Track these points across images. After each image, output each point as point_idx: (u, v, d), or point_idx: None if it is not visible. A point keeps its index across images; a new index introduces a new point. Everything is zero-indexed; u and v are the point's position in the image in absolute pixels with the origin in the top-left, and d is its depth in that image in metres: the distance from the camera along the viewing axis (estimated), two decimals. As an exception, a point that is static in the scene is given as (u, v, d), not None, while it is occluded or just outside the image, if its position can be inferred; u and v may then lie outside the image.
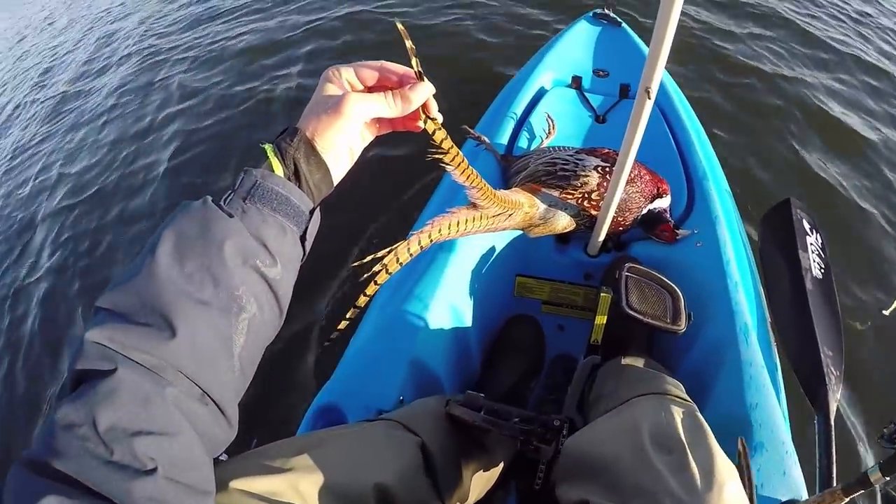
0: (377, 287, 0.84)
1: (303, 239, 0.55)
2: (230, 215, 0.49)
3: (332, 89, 0.57)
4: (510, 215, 0.96)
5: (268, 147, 0.55)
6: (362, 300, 0.86)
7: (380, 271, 0.82)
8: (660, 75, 0.81)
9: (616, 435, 0.68)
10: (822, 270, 1.27)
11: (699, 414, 0.76)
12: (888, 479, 0.78)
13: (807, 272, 1.21)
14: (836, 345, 1.19)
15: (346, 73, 0.58)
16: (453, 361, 1.00)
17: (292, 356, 1.57)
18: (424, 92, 0.59)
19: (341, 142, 0.57)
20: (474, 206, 0.92)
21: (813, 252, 1.27)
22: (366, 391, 0.85)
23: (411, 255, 0.85)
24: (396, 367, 0.88)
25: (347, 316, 0.86)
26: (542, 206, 1.02)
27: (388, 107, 0.58)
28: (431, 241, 0.88)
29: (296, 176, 0.55)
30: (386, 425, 0.70)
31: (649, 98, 0.80)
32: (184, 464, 0.40)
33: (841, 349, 1.20)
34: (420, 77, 0.59)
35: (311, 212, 0.56)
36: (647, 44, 1.56)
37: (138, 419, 0.39)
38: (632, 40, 1.60)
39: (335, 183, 0.60)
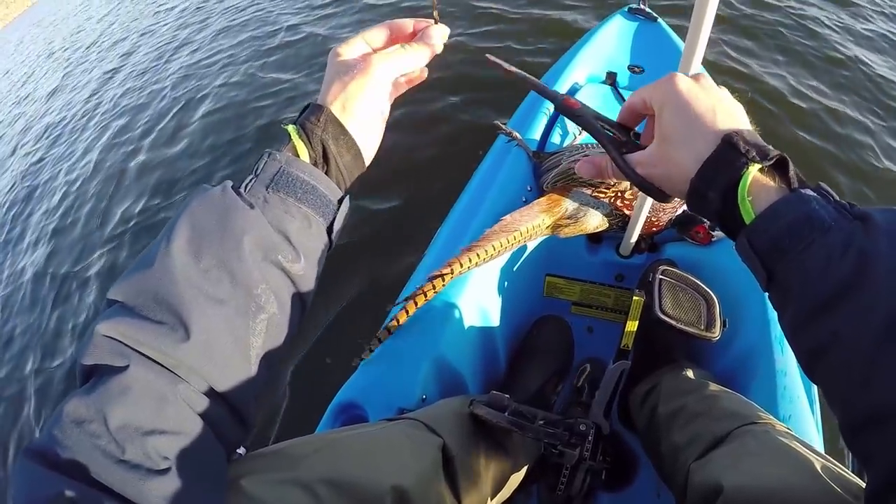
0: (408, 316, 0.87)
1: (329, 230, 0.52)
2: (251, 205, 0.46)
3: (347, 58, 0.54)
4: (535, 232, 0.99)
5: (291, 129, 0.52)
6: (393, 325, 0.88)
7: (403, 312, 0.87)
8: (696, 71, 0.78)
9: (780, 472, 0.61)
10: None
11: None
12: None
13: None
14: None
15: (356, 42, 0.55)
16: (479, 361, 0.98)
17: (314, 351, 1.57)
18: (443, 32, 0.58)
19: (373, 110, 0.55)
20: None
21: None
22: (388, 388, 0.84)
23: (435, 292, 0.89)
24: (420, 364, 0.86)
25: (379, 337, 0.87)
26: (572, 206, 0.99)
27: (413, 56, 0.56)
28: (468, 270, 0.92)
29: (324, 159, 0.52)
30: (407, 425, 0.68)
31: None
32: (197, 463, 0.39)
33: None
34: (436, 21, 0.58)
35: (340, 200, 0.53)
36: (683, 39, 1.53)
37: (151, 418, 0.38)
38: (668, 36, 1.56)
39: (367, 163, 0.57)
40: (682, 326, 0.90)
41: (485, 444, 0.75)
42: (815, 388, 1.06)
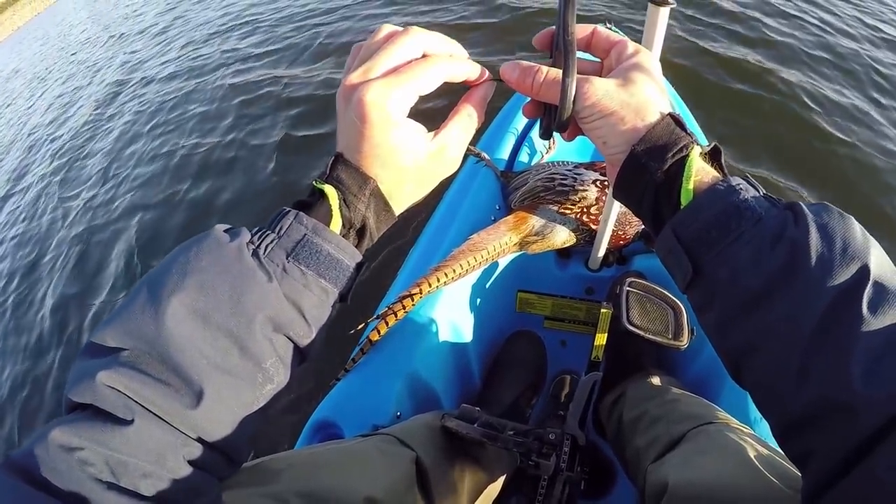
0: (380, 336, 0.89)
1: (342, 296, 0.49)
2: (269, 276, 0.43)
3: (390, 136, 0.47)
4: (503, 249, 1.00)
5: (331, 193, 0.47)
6: (367, 344, 0.90)
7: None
8: None
9: (722, 467, 0.62)
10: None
11: None
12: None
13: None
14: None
15: (399, 105, 0.46)
16: (453, 377, 0.99)
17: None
18: (490, 88, 0.53)
19: (428, 191, 0.53)
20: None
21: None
22: (363, 407, 0.85)
23: (405, 311, 0.90)
24: (394, 382, 0.88)
25: (353, 357, 0.89)
26: (538, 223, 1.02)
27: (476, 123, 0.52)
28: (437, 289, 0.93)
29: (357, 231, 0.49)
30: (380, 439, 0.69)
31: None
32: (188, 496, 0.40)
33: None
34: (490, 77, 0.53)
35: (359, 265, 0.49)
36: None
37: (151, 467, 0.38)
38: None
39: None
40: (650, 336, 0.92)
41: (458, 457, 0.76)
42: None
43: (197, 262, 0.42)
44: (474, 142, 1.28)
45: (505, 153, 1.24)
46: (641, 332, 0.92)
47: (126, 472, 0.37)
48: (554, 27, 0.50)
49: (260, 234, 0.45)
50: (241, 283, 0.42)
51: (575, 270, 1.11)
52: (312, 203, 0.48)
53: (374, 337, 0.90)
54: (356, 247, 0.49)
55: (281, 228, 0.45)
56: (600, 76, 0.49)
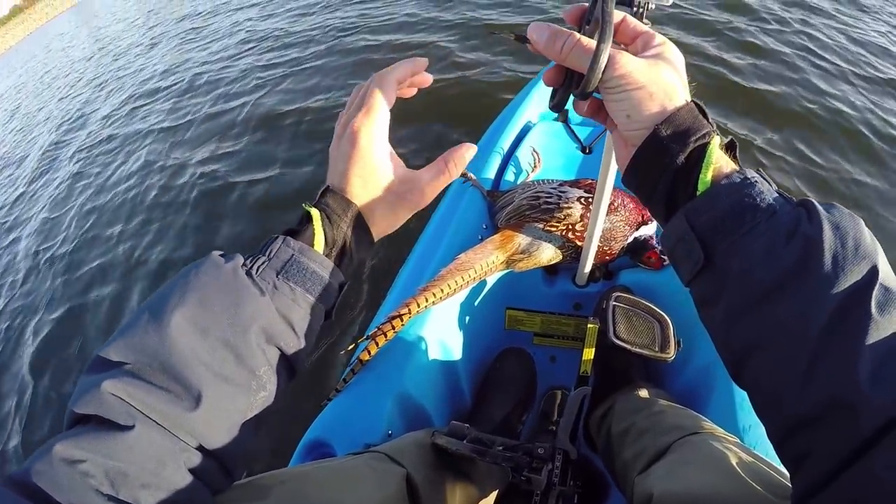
0: (370, 356, 0.91)
1: (328, 314, 0.55)
2: (262, 291, 0.48)
3: (381, 154, 0.56)
4: (490, 268, 1.02)
5: (315, 215, 0.53)
6: (358, 365, 0.92)
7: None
8: None
9: (705, 477, 0.63)
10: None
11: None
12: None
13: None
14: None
15: (382, 120, 0.56)
16: (443, 395, 1.00)
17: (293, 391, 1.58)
18: (469, 153, 0.60)
19: (401, 222, 0.59)
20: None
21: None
22: (355, 426, 0.86)
23: (395, 332, 0.92)
24: (385, 401, 0.89)
25: (345, 378, 0.90)
26: (525, 241, 1.04)
27: (454, 176, 0.59)
28: (425, 309, 0.95)
29: (339, 251, 0.55)
30: (370, 457, 0.70)
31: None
32: None
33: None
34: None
35: (342, 285, 0.55)
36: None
37: (149, 475, 0.40)
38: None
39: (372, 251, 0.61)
40: (637, 349, 0.93)
41: (449, 474, 0.77)
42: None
43: (196, 281, 0.47)
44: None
45: (491, 173, 1.26)
46: (628, 346, 0.93)
47: (126, 483, 0.38)
48: (587, 3, 0.51)
49: (252, 257, 0.51)
50: (237, 298, 0.47)
51: (562, 287, 1.13)
52: (300, 231, 0.53)
53: (365, 357, 0.91)
54: (338, 266, 0.54)
55: (271, 251, 0.51)
56: None
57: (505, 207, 1.11)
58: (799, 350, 0.37)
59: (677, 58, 0.48)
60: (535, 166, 1.28)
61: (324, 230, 0.53)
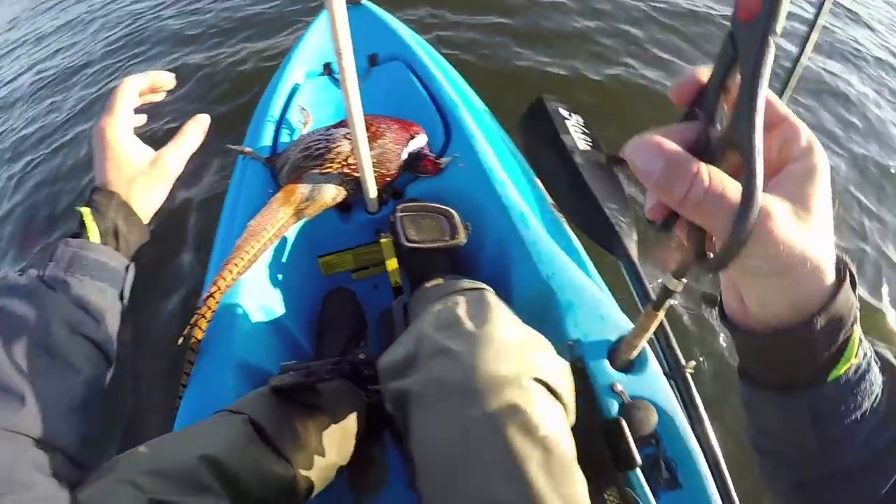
0: (199, 340, 0.95)
1: (121, 295, 0.63)
2: (54, 288, 0.56)
3: (127, 145, 0.66)
4: (281, 225, 1.07)
5: (85, 211, 0.62)
6: (191, 355, 0.96)
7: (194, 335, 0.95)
8: (345, 37, 0.93)
9: (407, 341, 0.75)
10: (590, 143, 1.41)
11: (490, 294, 0.85)
12: (684, 280, 0.87)
13: (574, 150, 1.35)
14: (618, 198, 1.34)
15: (124, 118, 0.67)
16: (282, 354, 1.05)
17: (142, 387, 1.59)
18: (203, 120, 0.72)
19: (162, 197, 0.68)
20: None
21: (576, 131, 1.42)
22: (209, 411, 0.89)
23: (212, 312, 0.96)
24: (226, 379, 0.93)
25: (185, 371, 0.95)
26: (306, 189, 1.09)
27: (194, 144, 0.71)
28: (233, 281, 0.99)
29: (114, 236, 0.63)
30: (213, 416, 0.75)
31: (342, 56, 0.90)
32: None
33: (624, 200, 1.34)
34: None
35: (127, 267, 0.64)
36: (387, 12, 1.67)
37: (4, 485, 0.44)
38: (373, 13, 1.69)
39: (148, 231, 0.69)
40: (430, 245, 1.03)
41: (294, 410, 0.81)
42: (577, 244, 1.23)
43: None
44: (239, 140, 1.33)
45: (268, 140, 1.29)
46: (422, 245, 1.02)
47: None
48: (707, 80, 0.32)
49: (41, 265, 0.59)
50: (36, 300, 0.55)
51: (358, 219, 1.20)
52: (80, 233, 0.62)
53: (194, 343, 0.95)
54: (116, 250, 0.63)
55: (55, 255, 0.59)
56: None
57: (283, 167, 1.16)
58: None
59: (827, 180, 0.33)
60: (306, 122, 1.32)
61: (95, 223, 0.61)
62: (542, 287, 1.04)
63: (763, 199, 0.28)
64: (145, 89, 0.72)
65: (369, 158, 1.07)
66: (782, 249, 0.30)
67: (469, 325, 0.69)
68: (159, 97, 0.75)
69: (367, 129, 1.14)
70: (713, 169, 0.30)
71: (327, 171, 1.11)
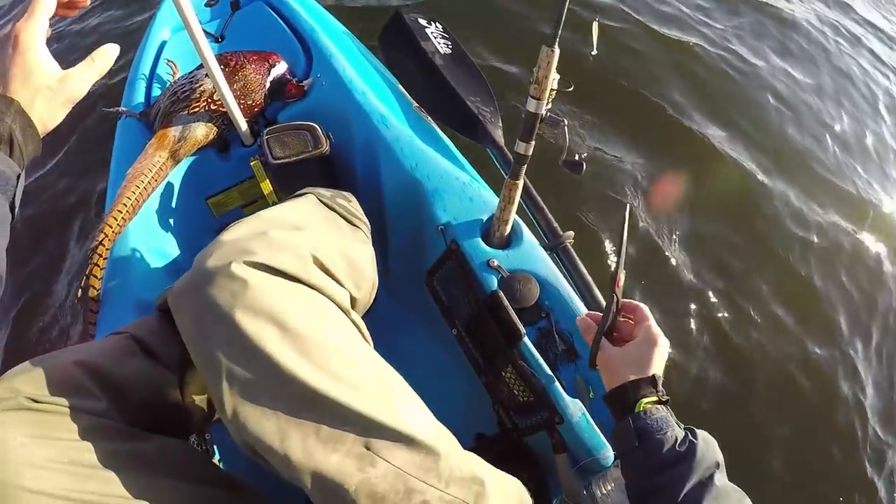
0: (98, 289, 0.99)
1: (12, 206, 0.59)
2: None
3: (41, 55, 0.61)
4: (159, 168, 1.13)
5: None
6: (94, 304, 1.00)
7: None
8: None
9: None
10: (450, 45, 1.50)
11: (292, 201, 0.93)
12: (533, 143, 0.95)
13: (434, 53, 1.43)
14: (481, 90, 1.44)
15: (43, 26, 0.62)
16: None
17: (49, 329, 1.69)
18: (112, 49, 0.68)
19: (60, 117, 0.64)
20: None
21: (435, 37, 1.50)
22: None
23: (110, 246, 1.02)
24: (130, 319, 0.99)
25: (90, 322, 0.99)
26: (177, 131, 1.16)
27: (102, 70, 0.67)
28: (120, 228, 1.04)
29: (8, 143, 0.58)
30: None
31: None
32: None
33: (488, 92, 1.44)
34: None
35: (18, 177, 0.59)
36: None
37: None
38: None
39: (41, 147, 0.65)
40: (296, 157, 1.12)
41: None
42: (443, 137, 1.33)
43: None
44: (115, 103, 1.39)
45: (142, 97, 1.35)
46: (289, 159, 1.12)
47: None
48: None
49: None
50: None
51: (237, 154, 1.28)
52: None
53: (93, 294, 1.00)
54: (9, 157, 0.59)
55: None
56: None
57: (156, 116, 1.23)
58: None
59: (646, 356, 0.79)
60: (174, 73, 1.38)
61: None
62: (408, 179, 1.14)
63: (611, 348, 0.82)
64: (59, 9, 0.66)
65: (230, 92, 1.14)
66: (611, 361, 0.81)
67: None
68: (74, 13, 0.70)
69: (227, 65, 1.22)
70: (594, 329, 0.86)
71: (195, 110, 1.19)
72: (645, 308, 0.84)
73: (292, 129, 1.15)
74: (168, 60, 1.41)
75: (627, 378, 0.77)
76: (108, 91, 2.17)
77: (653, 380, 0.77)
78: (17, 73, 0.60)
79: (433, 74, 1.39)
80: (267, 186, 1.15)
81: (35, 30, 0.61)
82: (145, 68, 1.42)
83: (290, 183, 1.16)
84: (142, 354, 0.74)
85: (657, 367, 0.79)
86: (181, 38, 1.51)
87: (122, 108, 1.30)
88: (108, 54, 0.67)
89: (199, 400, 0.79)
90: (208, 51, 1.07)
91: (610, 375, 0.81)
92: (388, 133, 1.18)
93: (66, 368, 0.63)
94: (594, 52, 0.97)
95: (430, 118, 1.37)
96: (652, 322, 0.82)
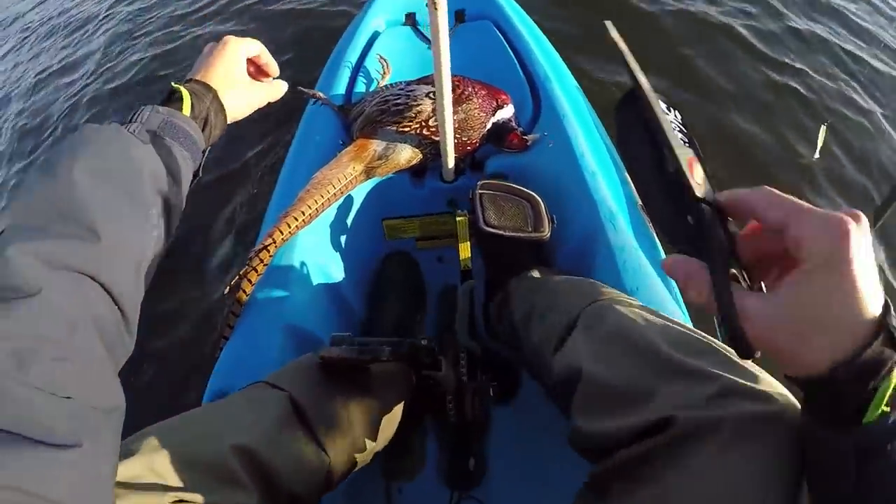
0: (248, 294, 0.90)
1: (196, 172, 0.65)
2: (143, 141, 0.57)
3: (241, 63, 0.73)
4: (350, 181, 0.99)
5: (184, 89, 0.64)
6: (238, 306, 0.90)
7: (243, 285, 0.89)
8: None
9: (612, 349, 0.62)
10: (687, 143, 1.29)
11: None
12: None
13: (671, 150, 1.22)
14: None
15: (246, 51, 0.73)
16: (333, 317, 0.97)
17: (186, 345, 1.54)
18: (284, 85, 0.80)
19: (243, 113, 0.74)
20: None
21: (674, 129, 1.29)
22: (249, 367, 0.82)
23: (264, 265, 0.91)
24: (273, 336, 0.86)
25: (229, 323, 0.90)
26: (380, 146, 0.99)
27: (273, 97, 0.78)
28: (291, 235, 0.93)
29: (202, 122, 0.66)
30: (249, 389, 0.70)
31: (436, 9, 0.77)
32: (96, 386, 0.43)
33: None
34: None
35: (204, 151, 0.67)
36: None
37: (62, 349, 0.41)
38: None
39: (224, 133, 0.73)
40: (511, 233, 0.92)
41: (341, 389, 0.74)
42: (661, 252, 1.11)
43: (82, 139, 0.55)
44: (312, 84, 1.24)
45: (342, 88, 1.20)
46: (501, 231, 0.92)
47: (36, 360, 0.38)
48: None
49: (125, 123, 0.59)
50: (126, 146, 0.56)
51: (432, 186, 1.10)
52: (166, 104, 0.64)
53: (242, 297, 0.88)
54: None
55: (142, 118, 0.60)
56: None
57: (357, 118, 1.06)
58: None
59: (848, 289, 0.35)
60: (384, 73, 1.22)
61: (192, 102, 0.64)
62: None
63: (755, 301, 0.38)
64: (256, 58, 0.77)
65: (452, 123, 0.96)
66: (766, 328, 0.37)
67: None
68: (261, 78, 0.79)
69: (453, 92, 1.03)
70: (705, 275, 0.40)
71: (405, 130, 1.01)
72: (772, 193, 0.40)
73: (512, 194, 0.95)
74: (380, 56, 1.25)
75: (826, 357, 0.36)
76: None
77: (883, 323, 0.36)
78: (219, 69, 0.69)
79: (666, 173, 1.18)
80: (466, 250, 0.95)
81: (242, 45, 0.72)
82: (352, 56, 1.27)
83: (500, 251, 0.97)
84: (297, 425, 0.68)
85: (874, 294, 0.36)
86: (397, 33, 1.35)
87: (319, 93, 1.14)
88: (281, 87, 0.79)
89: (339, 467, 0.72)
90: (447, 75, 0.88)
91: (783, 355, 0.38)
92: (614, 237, 0.95)
93: (223, 455, 0.58)
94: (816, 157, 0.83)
95: (651, 225, 1.15)
96: (814, 213, 0.37)
